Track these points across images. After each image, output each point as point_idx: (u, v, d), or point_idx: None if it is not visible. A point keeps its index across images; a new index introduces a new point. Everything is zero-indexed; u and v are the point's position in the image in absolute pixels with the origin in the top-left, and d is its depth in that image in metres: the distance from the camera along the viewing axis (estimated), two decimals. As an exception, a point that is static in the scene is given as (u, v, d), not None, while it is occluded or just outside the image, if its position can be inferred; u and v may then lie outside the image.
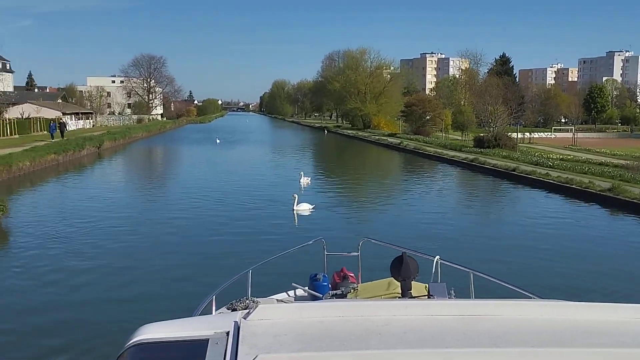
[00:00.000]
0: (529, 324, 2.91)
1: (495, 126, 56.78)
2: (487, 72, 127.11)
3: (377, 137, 73.59)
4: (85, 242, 17.76)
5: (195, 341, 2.81)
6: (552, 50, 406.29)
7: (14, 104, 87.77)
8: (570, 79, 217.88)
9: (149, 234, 19.21)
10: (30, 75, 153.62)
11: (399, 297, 4.75)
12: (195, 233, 19.33)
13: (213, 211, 23.10)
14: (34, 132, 66.39)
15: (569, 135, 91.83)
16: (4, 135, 57.26)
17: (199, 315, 4.26)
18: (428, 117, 76.51)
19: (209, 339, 2.79)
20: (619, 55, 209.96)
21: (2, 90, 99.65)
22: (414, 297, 4.63)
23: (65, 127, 53.46)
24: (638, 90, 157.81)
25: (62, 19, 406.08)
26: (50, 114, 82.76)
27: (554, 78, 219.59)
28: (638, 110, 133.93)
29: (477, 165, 38.95)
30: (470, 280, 4.93)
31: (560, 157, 46.11)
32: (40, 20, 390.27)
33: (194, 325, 3.06)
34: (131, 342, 2.94)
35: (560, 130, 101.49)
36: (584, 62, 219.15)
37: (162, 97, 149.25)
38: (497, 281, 4.87)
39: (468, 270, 4.95)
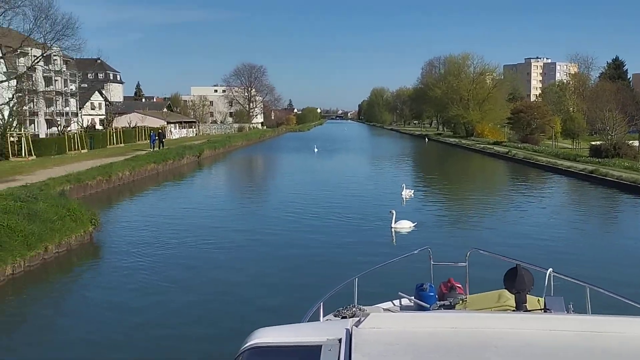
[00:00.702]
0: None
1: (614, 134, 52.25)
2: (599, 76, 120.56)
3: (482, 145, 69.98)
4: (180, 253, 17.21)
5: (308, 347, 2.85)
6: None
7: (121, 114, 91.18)
8: None
9: (244, 245, 18.51)
10: (138, 85, 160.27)
11: (513, 311, 4.56)
12: (287, 247, 18.23)
13: (307, 225, 21.82)
14: (139, 140, 68.05)
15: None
16: (110, 144, 58.74)
17: (308, 321, 4.32)
18: (535, 125, 72.22)
19: (321, 345, 2.82)
20: None
21: (111, 100, 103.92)
22: (529, 311, 4.41)
23: (164, 137, 53.67)
24: None
25: (170, 31, 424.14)
26: (155, 122, 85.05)
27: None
28: None
29: (598, 177, 35.26)
30: (587, 295, 4.62)
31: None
32: (150, 33, 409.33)
33: (306, 331, 3.12)
34: (247, 345, 3.03)
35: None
36: None
37: (262, 106, 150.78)
38: (617, 297, 4.46)
39: (584, 284, 4.62)
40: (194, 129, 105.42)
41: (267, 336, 3.06)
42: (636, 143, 52.01)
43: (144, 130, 72.43)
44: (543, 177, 40.73)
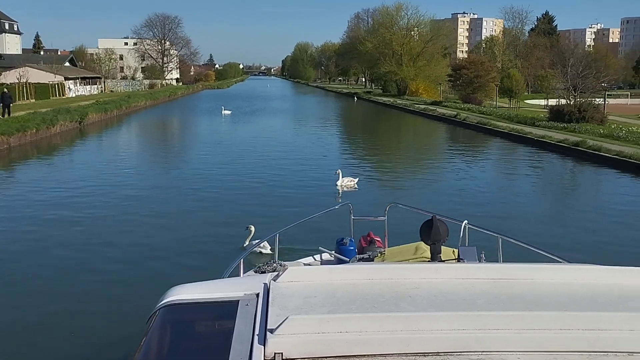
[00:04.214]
0: (561, 288, 2.87)
1: (577, 94, 45.08)
2: (529, 32, 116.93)
3: (421, 106, 61.42)
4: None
5: (225, 302, 2.79)
6: (591, 10, 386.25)
7: (10, 68, 78.92)
8: (611, 40, 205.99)
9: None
10: (37, 37, 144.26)
11: (428, 261, 4.72)
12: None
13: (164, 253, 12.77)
14: (19, 100, 56.42)
15: (624, 101, 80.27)
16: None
17: (228, 277, 4.18)
18: (478, 83, 64.74)
19: (239, 300, 2.77)
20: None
21: (5, 53, 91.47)
22: (444, 261, 4.57)
23: (11, 100, 39.58)
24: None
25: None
26: (45, 78, 73.27)
27: (594, 39, 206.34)
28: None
29: (587, 152, 27.01)
30: (499, 245, 4.84)
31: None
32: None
33: (224, 287, 3.02)
34: (162, 303, 2.92)
35: (611, 96, 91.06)
36: (627, 21, 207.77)
37: (177, 61, 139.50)
38: (526, 246, 4.76)
39: (496, 234, 4.89)
40: (99, 86, 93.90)
41: (183, 293, 2.92)
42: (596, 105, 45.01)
43: (25, 88, 60.96)
44: (510, 150, 32.45)
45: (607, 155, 25.36)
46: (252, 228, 12.36)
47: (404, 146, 36.67)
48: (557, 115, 41.65)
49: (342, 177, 20.07)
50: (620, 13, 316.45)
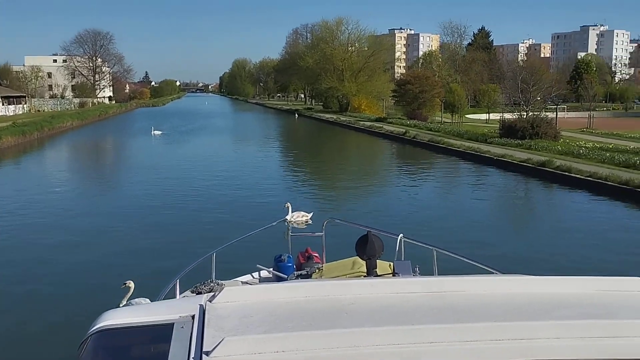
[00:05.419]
0: (493, 299, 2.89)
1: (528, 109, 43.53)
2: (466, 47, 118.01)
3: (367, 123, 59.02)
4: None
5: (159, 326, 2.72)
6: (523, 26, 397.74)
7: None
8: (542, 55, 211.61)
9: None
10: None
11: (365, 276, 4.70)
12: None
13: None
14: None
15: (561, 115, 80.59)
16: None
17: (163, 299, 4.09)
18: (423, 99, 63.01)
19: (174, 323, 2.70)
20: (593, 29, 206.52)
21: None
22: (379, 276, 4.55)
23: None
24: (614, 65, 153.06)
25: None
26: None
27: (526, 54, 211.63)
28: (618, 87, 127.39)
29: (556, 173, 24.66)
30: (434, 258, 4.89)
31: (599, 145, 35.24)
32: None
33: (158, 310, 2.96)
34: (94, 328, 2.84)
35: (549, 110, 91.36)
36: (558, 37, 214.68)
37: (110, 78, 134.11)
38: (460, 258, 4.90)
39: (431, 247, 4.95)
40: (24, 105, 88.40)
41: (116, 317, 2.86)
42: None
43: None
44: (469, 172, 29.95)
45: (578, 176, 23.19)
46: (132, 284, 9.99)
47: (357, 170, 33.04)
48: (509, 131, 40.01)
49: (292, 212, 17.14)
50: (550, 29, 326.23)
